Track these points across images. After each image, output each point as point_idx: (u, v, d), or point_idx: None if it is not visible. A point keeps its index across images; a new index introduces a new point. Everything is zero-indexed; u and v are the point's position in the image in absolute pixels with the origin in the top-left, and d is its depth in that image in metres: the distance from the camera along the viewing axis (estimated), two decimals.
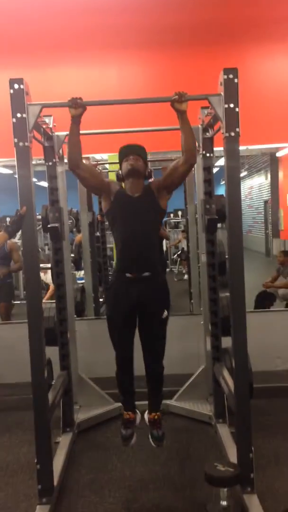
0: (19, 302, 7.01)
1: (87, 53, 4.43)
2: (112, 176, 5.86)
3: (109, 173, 5.78)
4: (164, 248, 8.88)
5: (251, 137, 4.41)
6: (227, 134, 2.64)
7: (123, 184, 3.01)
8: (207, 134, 3.50)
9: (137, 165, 2.89)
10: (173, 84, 4.26)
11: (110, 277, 5.23)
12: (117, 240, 2.94)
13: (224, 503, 2.59)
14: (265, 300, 6.18)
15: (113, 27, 4.38)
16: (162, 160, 5.01)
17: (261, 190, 15.37)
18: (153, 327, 2.96)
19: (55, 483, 2.84)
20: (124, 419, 3.09)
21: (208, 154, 3.55)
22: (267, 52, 4.54)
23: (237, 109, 2.62)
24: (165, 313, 2.96)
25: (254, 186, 16.30)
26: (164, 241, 8.73)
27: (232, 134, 2.63)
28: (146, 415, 3.14)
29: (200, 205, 3.65)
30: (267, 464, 3.13)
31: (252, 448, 2.69)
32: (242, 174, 16.34)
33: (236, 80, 2.60)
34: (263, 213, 15.13)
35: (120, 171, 3.01)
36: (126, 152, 2.95)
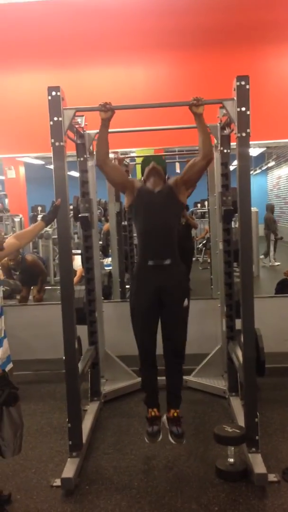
0: (50, 287, 7.49)
1: (114, 54, 4.77)
2: (139, 169, 6.22)
3: (136, 165, 6.13)
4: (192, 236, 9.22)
5: (276, 131, 4.75)
6: (239, 134, 2.95)
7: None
8: (225, 131, 3.81)
9: (157, 167, 3.23)
10: (194, 84, 4.63)
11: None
12: (139, 231, 3.22)
13: (231, 460, 2.97)
14: (285, 288, 6.42)
15: (138, 30, 4.70)
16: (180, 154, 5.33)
17: None
18: (174, 314, 3.13)
19: (84, 441, 3.25)
20: (149, 418, 3.23)
21: (225, 150, 3.86)
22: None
23: (248, 112, 2.92)
24: (186, 302, 3.15)
25: (282, 176, 16.34)
26: (193, 230, 9.08)
27: (244, 134, 2.94)
28: (165, 415, 3.25)
29: (218, 197, 3.97)
30: (274, 432, 3.47)
31: (258, 413, 3.02)
32: (270, 164, 16.42)
33: (247, 87, 2.90)
34: None
35: (142, 178, 3.31)
36: (148, 160, 3.31)
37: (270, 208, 11.89)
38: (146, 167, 3.27)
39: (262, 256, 10.45)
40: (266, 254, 10.86)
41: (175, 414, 3.19)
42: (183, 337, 3.21)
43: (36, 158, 8.60)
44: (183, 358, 3.26)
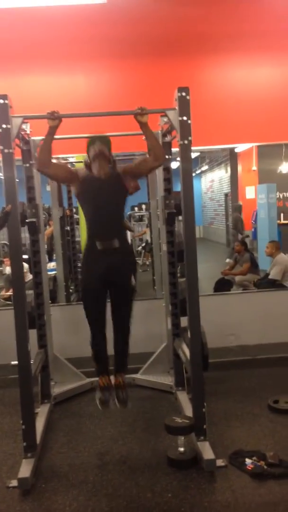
0: None
1: (56, 62, 4.85)
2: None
3: (81, 165, 6.20)
4: (129, 240, 9.38)
5: (212, 137, 5.00)
6: (181, 142, 3.14)
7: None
8: (166, 138, 4.00)
9: (103, 149, 3.27)
10: (135, 92, 4.80)
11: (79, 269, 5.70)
12: (87, 216, 3.36)
13: (181, 449, 3.14)
14: (223, 286, 6.71)
15: (79, 39, 4.81)
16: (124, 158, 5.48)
17: (221, 184, 16.01)
18: (122, 293, 3.38)
19: (37, 442, 3.30)
20: (100, 385, 3.44)
21: (167, 156, 4.04)
22: (227, 62, 5.09)
23: (189, 121, 3.12)
24: (133, 280, 3.38)
25: (215, 180, 16.93)
26: (129, 233, 9.25)
27: (186, 142, 3.13)
28: (112, 381, 3.47)
29: (161, 200, 4.15)
30: (218, 421, 3.69)
31: (205, 404, 3.22)
32: (203, 168, 16.96)
33: (188, 97, 3.09)
34: (223, 205, 15.78)
35: (87, 159, 3.37)
36: (93, 140, 3.33)
37: (238, 208, 12.21)
38: (91, 147, 3.29)
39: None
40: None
41: (121, 380, 3.44)
42: (130, 312, 3.46)
43: None
44: (129, 332, 3.51)
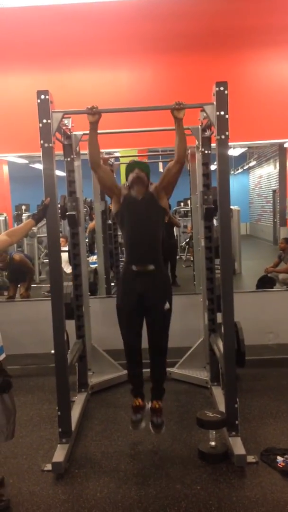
0: (35, 285, 7.61)
1: (99, 58, 4.94)
2: (123, 169, 6.39)
3: (121, 165, 6.29)
4: (175, 235, 9.45)
5: (259, 132, 4.97)
6: (218, 137, 3.13)
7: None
8: (205, 133, 3.99)
9: (141, 175, 3.32)
10: (176, 87, 4.82)
11: (121, 263, 5.77)
12: (125, 238, 3.38)
13: (212, 443, 3.16)
14: (265, 284, 6.63)
15: (123, 35, 4.87)
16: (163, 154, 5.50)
17: (269, 180, 15.71)
18: (156, 318, 3.32)
19: (73, 428, 3.40)
20: (134, 406, 3.44)
21: (206, 151, 4.04)
22: (274, 55, 5.02)
23: (227, 116, 3.10)
24: (167, 305, 3.32)
25: (263, 176, 16.64)
26: (175, 228, 9.29)
27: (223, 137, 3.13)
28: (149, 403, 3.47)
29: (200, 196, 4.15)
30: (253, 418, 3.67)
31: (238, 400, 3.22)
32: (251, 164, 16.71)
33: (226, 92, 3.08)
34: (271, 202, 15.49)
35: (126, 183, 3.41)
36: (132, 167, 3.39)
37: None
38: (130, 173, 3.35)
39: None
40: None
41: (157, 406, 3.40)
42: (165, 337, 3.40)
43: (20, 157, 8.69)
44: (166, 355, 3.46)
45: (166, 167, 3.35)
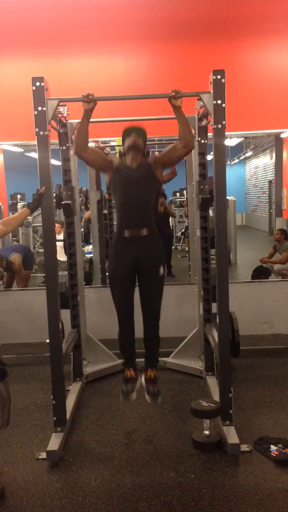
0: (31, 275, 7.55)
1: (95, 45, 4.89)
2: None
3: (116, 154, 6.24)
4: (171, 225, 9.43)
5: (255, 122, 4.94)
6: (215, 126, 3.12)
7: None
8: (202, 123, 3.96)
9: (138, 141, 3.29)
10: (172, 75, 4.78)
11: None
12: (117, 203, 3.36)
13: (206, 432, 3.17)
14: (261, 274, 6.63)
15: (119, 21, 4.83)
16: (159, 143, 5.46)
17: (266, 170, 15.69)
18: (150, 282, 3.32)
19: (67, 417, 3.41)
20: (125, 376, 3.45)
21: (202, 141, 4.01)
22: (271, 44, 5.00)
23: (224, 105, 3.08)
24: (161, 270, 3.32)
25: (259, 166, 16.61)
26: (171, 218, 9.28)
27: (219, 126, 3.11)
28: (142, 377, 3.45)
29: (196, 185, 4.13)
30: (247, 407, 3.69)
31: (232, 389, 3.23)
32: (248, 154, 16.66)
33: (223, 80, 3.06)
34: (267, 192, 15.48)
35: (122, 149, 3.40)
36: (129, 131, 3.35)
37: None
38: (127, 138, 3.32)
39: None
40: None
41: (152, 374, 3.40)
42: (159, 303, 3.38)
43: (15, 145, 8.63)
44: (159, 320, 3.43)
45: (173, 145, 3.30)
